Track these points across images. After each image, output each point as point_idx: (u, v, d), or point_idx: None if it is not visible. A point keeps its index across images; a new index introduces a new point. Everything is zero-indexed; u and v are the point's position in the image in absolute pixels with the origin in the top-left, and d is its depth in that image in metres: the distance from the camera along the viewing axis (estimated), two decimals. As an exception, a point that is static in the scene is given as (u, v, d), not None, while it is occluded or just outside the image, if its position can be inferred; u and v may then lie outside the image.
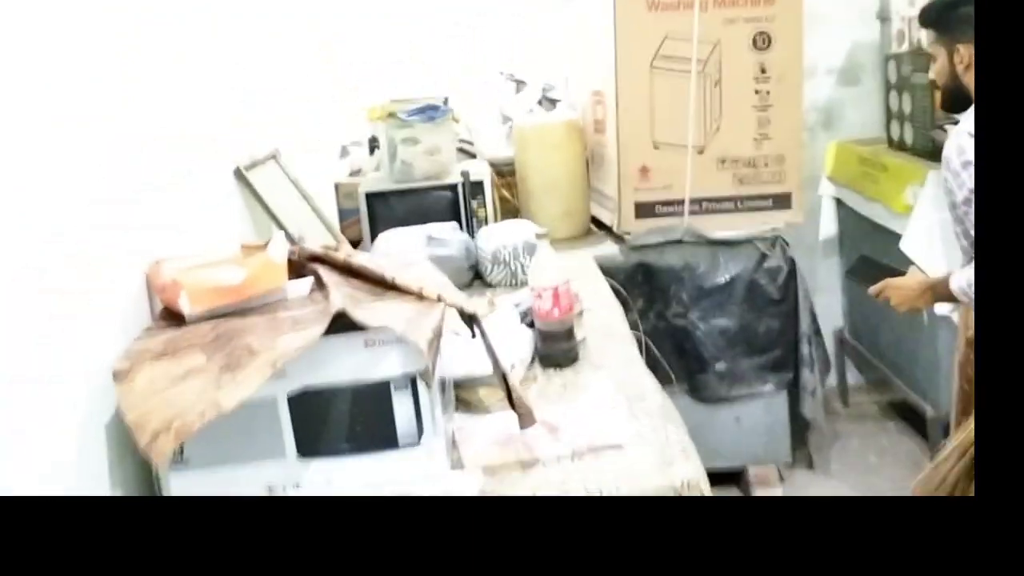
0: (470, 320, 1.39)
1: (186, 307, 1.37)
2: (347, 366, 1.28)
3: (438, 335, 1.29)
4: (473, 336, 1.43)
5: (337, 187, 2.99)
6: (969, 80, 1.82)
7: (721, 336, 2.62)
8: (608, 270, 2.49)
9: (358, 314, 1.26)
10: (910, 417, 2.99)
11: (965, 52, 1.80)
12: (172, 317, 1.44)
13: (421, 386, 1.29)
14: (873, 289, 2.04)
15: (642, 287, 2.64)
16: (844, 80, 3.21)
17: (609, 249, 2.69)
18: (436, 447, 1.30)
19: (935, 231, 2.40)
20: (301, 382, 1.28)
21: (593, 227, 2.93)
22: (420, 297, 1.38)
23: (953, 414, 2.39)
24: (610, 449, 1.36)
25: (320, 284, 1.45)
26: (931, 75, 1.94)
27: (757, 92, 2.58)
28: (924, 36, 2.55)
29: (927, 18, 1.90)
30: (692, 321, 2.63)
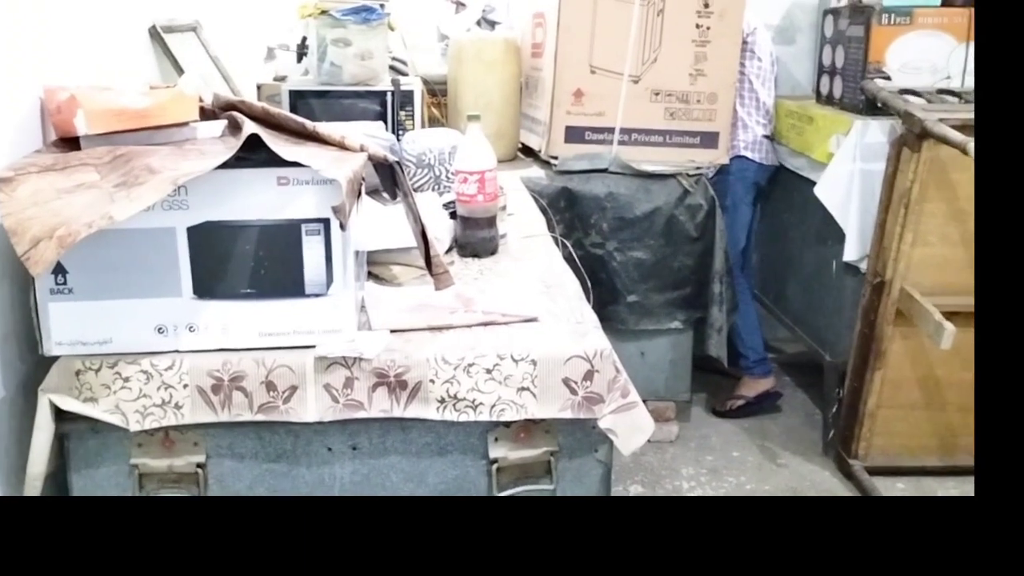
0: (392, 174, 1.32)
1: (82, 126, 1.25)
2: (256, 202, 1.20)
3: (359, 178, 1.22)
4: (395, 197, 1.37)
5: (259, 88, 2.86)
6: None
7: (636, 269, 2.62)
8: (532, 194, 2.45)
9: (274, 145, 1.17)
10: (807, 372, 3.08)
11: None
12: (67, 144, 1.32)
13: (334, 233, 1.21)
14: None
15: (564, 213, 2.61)
16: (780, 39, 3.23)
17: (535, 173, 2.65)
18: (345, 299, 1.23)
19: (853, 180, 2.44)
20: (205, 215, 1.19)
21: (520, 155, 2.89)
22: (342, 147, 1.31)
23: (851, 358, 2.46)
24: (523, 321, 1.32)
25: (235, 127, 1.36)
26: None
27: (698, 26, 2.57)
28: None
29: None
30: (609, 251, 2.62)
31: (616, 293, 2.63)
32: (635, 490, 2.52)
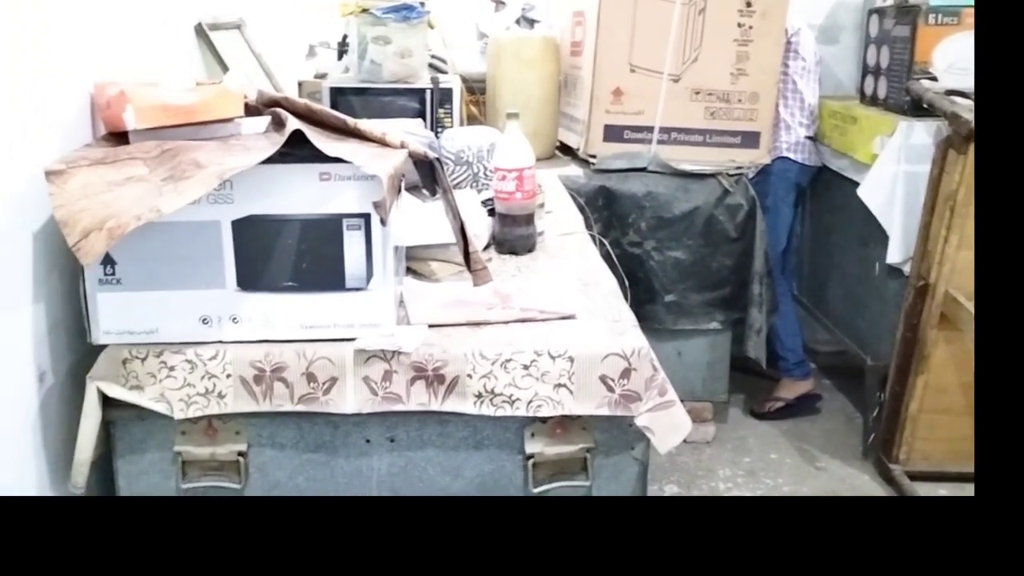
0: (431, 170, 1.33)
1: (131, 121, 1.28)
2: (299, 197, 1.21)
3: (400, 174, 1.24)
4: (434, 193, 1.38)
5: (300, 85, 2.89)
6: None
7: (674, 268, 2.60)
8: (570, 192, 2.45)
9: (316, 140, 1.19)
10: (847, 375, 3.04)
11: None
12: (115, 139, 1.35)
13: (375, 228, 1.23)
14: None
15: (602, 212, 2.61)
16: (824, 38, 3.18)
17: (573, 171, 2.65)
18: (384, 293, 1.25)
19: (897, 181, 2.41)
20: (249, 209, 1.21)
21: (558, 153, 2.89)
22: (383, 143, 1.32)
23: (893, 361, 2.42)
24: (562, 319, 1.32)
25: (278, 124, 1.38)
26: None
27: (740, 25, 2.54)
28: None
29: None
30: (647, 251, 2.61)
31: (654, 292, 2.62)
32: (671, 490, 2.51)
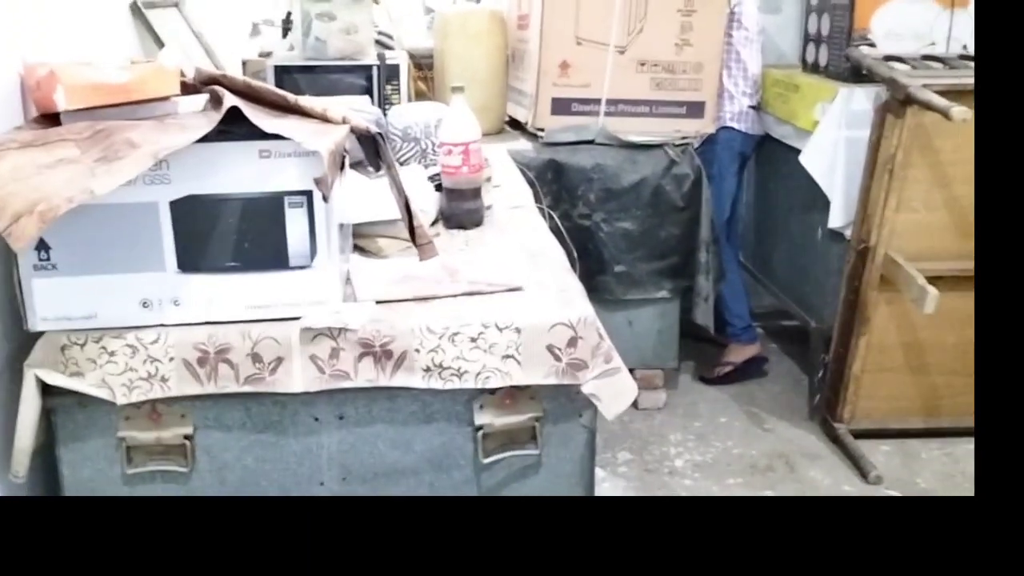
0: (375, 146, 1.32)
1: (62, 102, 1.25)
2: (239, 175, 1.20)
3: (341, 150, 1.22)
4: (379, 168, 1.37)
5: (245, 64, 2.84)
6: None
7: (623, 239, 2.63)
8: (519, 166, 2.45)
9: (255, 117, 1.17)
10: (793, 340, 3.11)
11: None
12: (47, 121, 1.31)
13: (317, 205, 1.22)
14: None
15: (551, 185, 2.61)
16: (766, 8, 3.20)
17: (522, 146, 2.65)
18: (329, 271, 1.24)
19: (837, 147, 2.45)
20: (187, 189, 1.19)
21: (507, 127, 2.88)
22: (324, 119, 1.30)
23: (836, 324, 2.48)
24: (508, 290, 1.33)
25: (216, 102, 1.35)
26: None
27: (683, -5, 2.56)
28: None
29: None
30: (596, 222, 2.62)
31: (604, 264, 2.64)
32: (623, 456, 2.55)
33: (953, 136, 2.23)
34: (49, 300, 1.19)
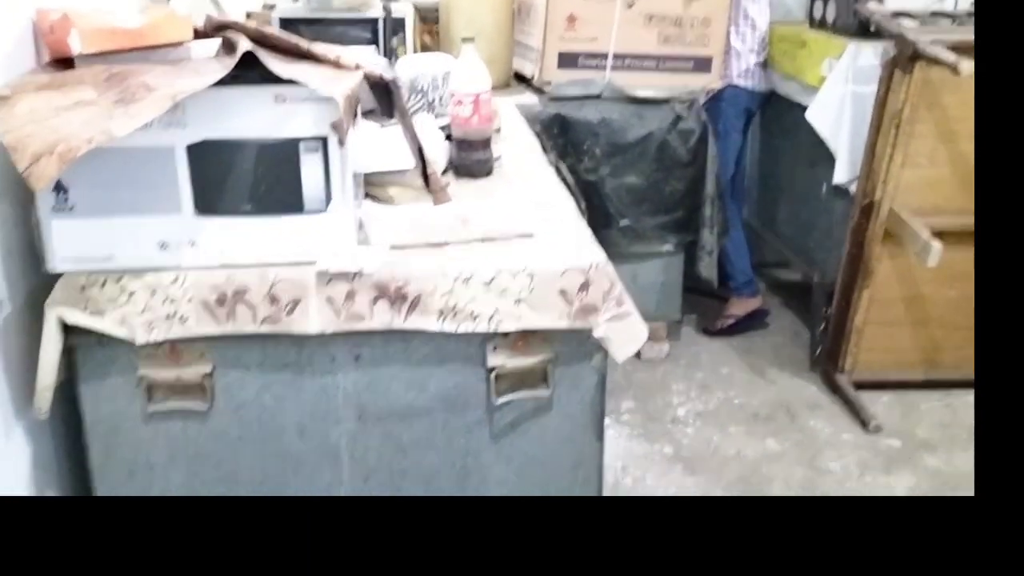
0: (388, 93, 1.33)
1: (76, 46, 1.25)
2: (254, 120, 1.20)
3: (356, 96, 1.23)
4: (391, 116, 1.38)
5: (249, 16, 2.82)
6: None
7: (629, 194, 2.64)
8: (526, 121, 2.45)
9: (269, 63, 1.18)
10: (795, 294, 3.14)
11: None
12: (60, 65, 1.32)
13: (332, 150, 1.23)
14: None
15: (557, 139, 2.62)
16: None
17: (528, 100, 2.65)
18: (344, 216, 1.26)
19: (844, 103, 2.45)
20: (203, 133, 1.20)
21: (513, 82, 2.87)
22: (337, 66, 1.31)
23: (839, 277, 2.51)
24: (520, 236, 1.35)
25: (229, 48, 1.36)
26: None
27: (692, -52, 2.54)
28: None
29: None
30: (602, 177, 2.63)
31: (609, 218, 2.65)
32: (627, 406, 2.59)
33: (960, 91, 2.24)
34: (67, 241, 1.21)
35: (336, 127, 1.17)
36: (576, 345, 1.29)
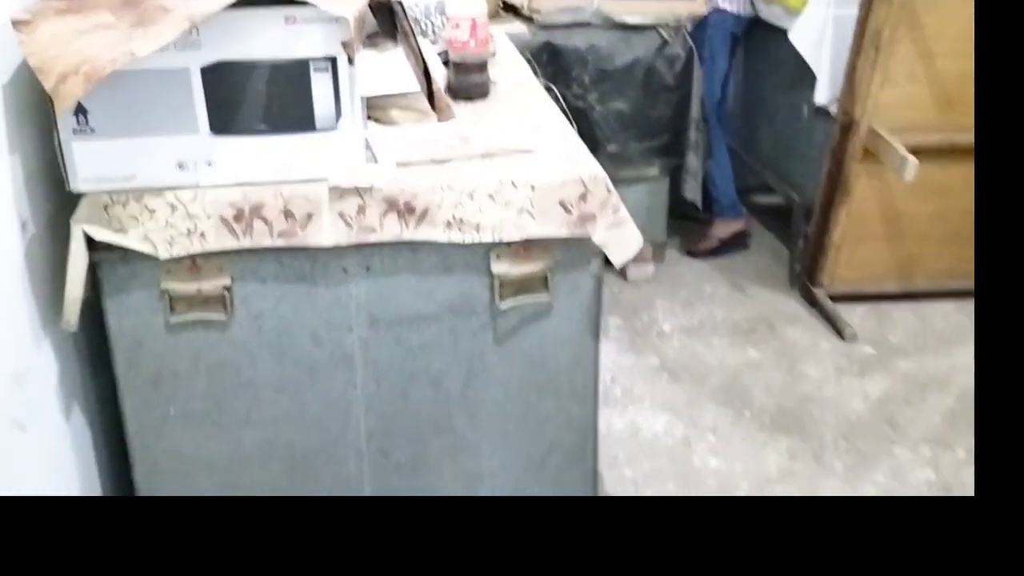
0: (391, 15, 1.38)
1: (88, -31, 1.29)
2: (266, 41, 1.25)
3: (364, 17, 1.28)
4: (394, 38, 1.43)
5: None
6: None
7: (616, 119, 2.70)
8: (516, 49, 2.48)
9: (279, -18, 1.22)
10: (776, 215, 3.24)
11: None
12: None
13: (342, 69, 1.28)
14: None
15: (546, 67, 2.65)
16: None
17: (518, 29, 2.68)
18: (353, 132, 1.32)
19: (826, 24, 2.50)
20: (216, 55, 1.25)
21: (502, 11, 2.89)
22: (341, -13, 1.35)
23: (819, 196, 2.60)
24: (520, 152, 1.42)
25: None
26: None
27: None
28: None
29: None
30: (590, 103, 2.69)
31: (597, 143, 2.71)
32: (615, 322, 2.70)
33: (938, 10, 2.30)
34: (89, 162, 1.26)
35: (347, 45, 1.22)
36: (575, 252, 1.38)
